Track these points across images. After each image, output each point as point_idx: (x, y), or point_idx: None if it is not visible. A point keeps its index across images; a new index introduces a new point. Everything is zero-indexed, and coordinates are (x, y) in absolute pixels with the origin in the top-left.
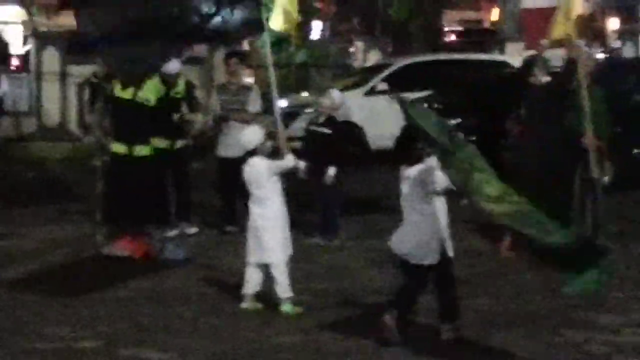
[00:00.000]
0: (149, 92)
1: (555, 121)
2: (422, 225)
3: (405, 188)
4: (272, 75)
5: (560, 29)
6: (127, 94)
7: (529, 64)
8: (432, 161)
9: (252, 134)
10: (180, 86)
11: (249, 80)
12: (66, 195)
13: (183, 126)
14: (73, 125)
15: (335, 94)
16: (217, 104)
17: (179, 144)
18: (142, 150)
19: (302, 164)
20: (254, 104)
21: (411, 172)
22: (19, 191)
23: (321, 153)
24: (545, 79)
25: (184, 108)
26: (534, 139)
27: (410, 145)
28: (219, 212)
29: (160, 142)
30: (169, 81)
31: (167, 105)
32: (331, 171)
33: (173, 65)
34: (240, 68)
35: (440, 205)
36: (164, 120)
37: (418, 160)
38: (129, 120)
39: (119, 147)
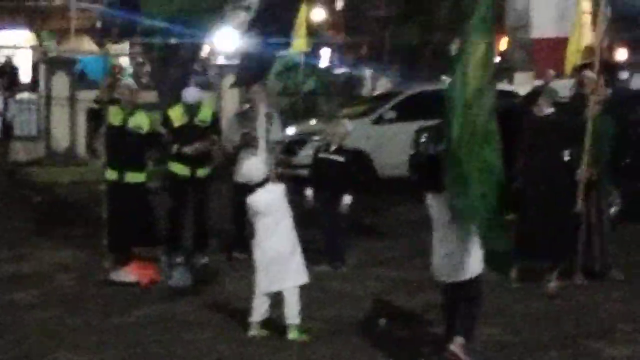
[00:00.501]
0: (141, 119)
1: (556, 153)
2: (459, 243)
3: (439, 212)
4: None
5: (572, 61)
6: (118, 121)
7: (534, 94)
8: None
9: (256, 166)
10: (204, 114)
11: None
12: (74, 219)
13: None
14: (82, 150)
15: (346, 123)
16: (236, 130)
17: (201, 172)
18: (135, 178)
19: (309, 192)
20: (276, 132)
21: (443, 197)
22: (27, 215)
23: (332, 181)
24: (549, 110)
25: (212, 137)
26: (536, 170)
27: (436, 173)
28: (232, 238)
29: (180, 169)
30: (191, 109)
31: (191, 133)
32: (347, 199)
33: (192, 93)
34: (260, 94)
35: None
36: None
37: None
38: (121, 147)
39: (111, 174)
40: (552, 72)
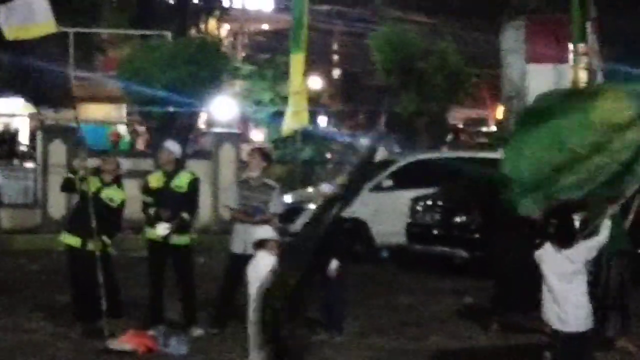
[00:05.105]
0: (115, 192)
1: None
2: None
3: (569, 266)
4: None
5: None
6: (93, 190)
7: None
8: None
9: (265, 234)
10: (181, 180)
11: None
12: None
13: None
14: None
15: (326, 187)
16: (234, 199)
17: (181, 240)
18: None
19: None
20: (276, 205)
21: (576, 251)
22: (24, 283)
23: (323, 248)
24: None
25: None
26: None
27: (565, 228)
28: (220, 309)
29: (154, 236)
30: (168, 174)
31: (166, 197)
32: (333, 265)
33: (168, 148)
34: (261, 163)
35: None
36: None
37: (572, 239)
38: (87, 215)
39: (71, 239)
40: None
